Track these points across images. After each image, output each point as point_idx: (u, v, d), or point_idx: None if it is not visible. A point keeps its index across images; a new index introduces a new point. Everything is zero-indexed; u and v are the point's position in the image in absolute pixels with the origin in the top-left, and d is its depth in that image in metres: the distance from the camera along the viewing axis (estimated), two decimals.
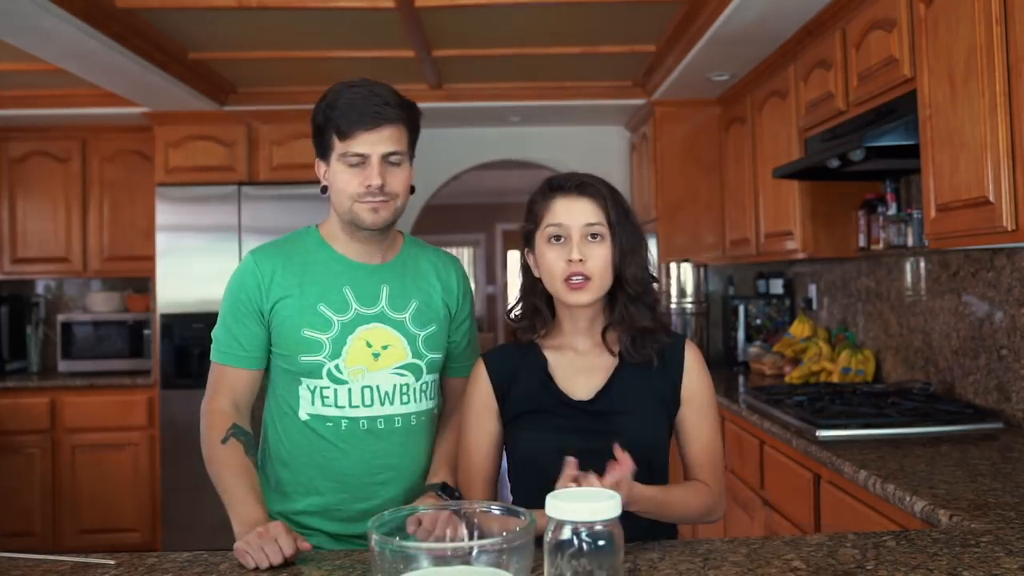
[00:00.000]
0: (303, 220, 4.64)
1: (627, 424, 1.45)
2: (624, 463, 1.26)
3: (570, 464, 1.25)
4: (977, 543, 1.34)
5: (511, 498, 1.52)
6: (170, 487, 4.32)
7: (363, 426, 1.58)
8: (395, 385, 1.60)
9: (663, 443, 1.51)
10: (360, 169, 1.53)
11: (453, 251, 1.86)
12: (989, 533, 1.41)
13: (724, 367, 4.36)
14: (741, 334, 4.35)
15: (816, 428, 2.39)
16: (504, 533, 0.98)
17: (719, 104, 4.45)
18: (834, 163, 2.71)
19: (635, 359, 1.49)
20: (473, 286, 1.97)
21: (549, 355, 1.53)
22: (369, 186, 1.52)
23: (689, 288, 4.35)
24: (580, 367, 1.51)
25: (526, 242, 1.53)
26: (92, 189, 4.80)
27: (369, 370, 1.58)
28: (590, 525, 0.92)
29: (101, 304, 4.84)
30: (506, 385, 1.51)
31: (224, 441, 1.54)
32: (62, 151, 4.79)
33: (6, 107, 4.41)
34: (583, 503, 0.93)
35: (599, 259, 1.44)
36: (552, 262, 1.45)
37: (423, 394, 1.65)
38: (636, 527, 1.31)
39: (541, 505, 0.96)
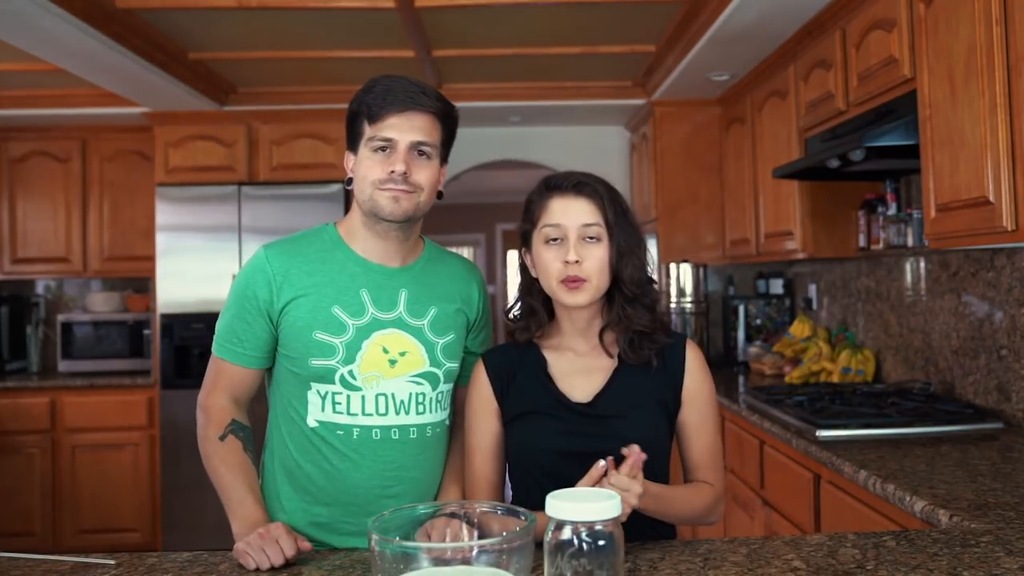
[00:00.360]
0: (303, 220, 4.65)
1: (625, 426, 1.44)
2: (637, 453, 1.25)
3: (598, 467, 1.24)
4: (977, 543, 1.34)
5: (512, 499, 1.52)
6: (170, 487, 4.32)
7: (376, 436, 1.51)
8: (411, 394, 1.53)
9: (663, 445, 1.50)
10: (386, 155, 1.47)
11: (453, 251, 1.80)
12: (989, 533, 1.41)
13: (724, 367, 4.36)
14: (741, 334, 4.35)
15: (816, 428, 2.39)
16: (504, 533, 0.98)
17: (719, 104, 4.45)
18: (834, 163, 2.71)
19: (633, 360, 1.48)
20: None
21: (548, 355, 1.52)
22: (392, 172, 1.46)
23: (689, 288, 4.35)
24: (579, 368, 1.51)
25: (523, 242, 1.52)
26: (92, 189, 4.80)
27: (384, 377, 1.51)
28: (590, 525, 0.92)
29: (101, 304, 4.85)
30: (505, 385, 1.51)
31: (222, 438, 1.50)
32: (62, 151, 4.79)
33: (6, 107, 4.41)
34: (583, 503, 0.93)
35: (596, 260, 1.43)
36: (549, 263, 1.44)
37: (438, 404, 1.57)
38: (636, 527, 1.32)
39: (542, 506, 0.96)
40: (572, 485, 1.05)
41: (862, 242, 3.19)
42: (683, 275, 4.35)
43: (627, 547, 1.23)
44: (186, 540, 4.23)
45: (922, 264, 3.05)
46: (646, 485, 1.28)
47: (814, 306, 4.08)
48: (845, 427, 2.39)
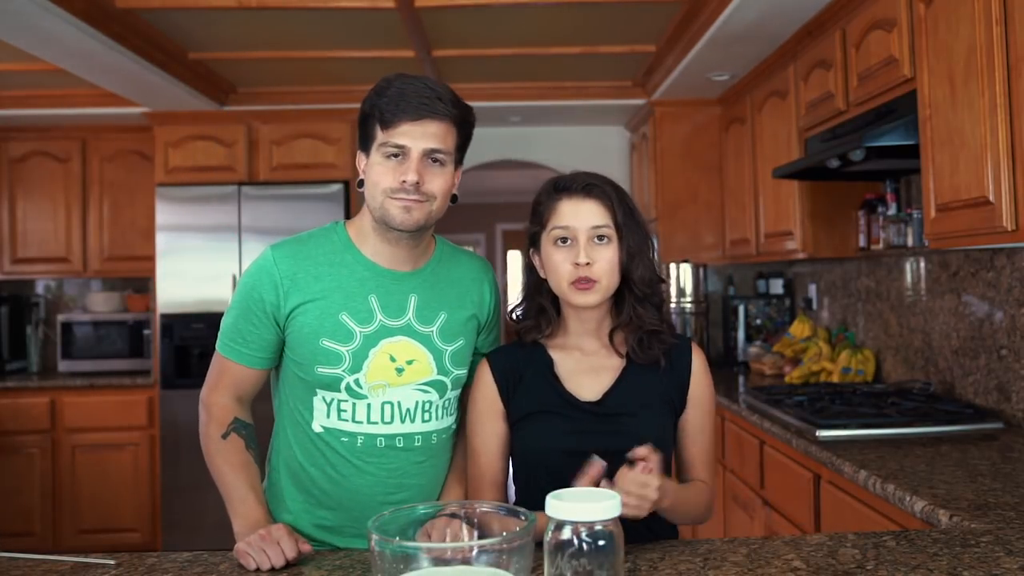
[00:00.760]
0: (303, 220, 4.65)
1: (635, 425, 1.45)
2: (651, 456, 1.25)
3: (595, 465, 1.24)
4: (977, 543, 1.34)
5: (515, 499, 1.52)
6: (170, 487, 4.32)
7: (381, 443, 1.49)
8: (417, 402, 1.51)
9: (668, 444, 1.51)
10: (398, 163, 1.42)
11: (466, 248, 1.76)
12: (989, 533, 1.41)
13: (724, 367, 4.36)
14: (741, 334, 4.35)
15: (816, 428, 2.39)
16: (504, 533, 0.98)
17: (719, 104, 4.45)
18: (834, 163, 2.71)
19: (642, 359, 1.49)
20: None
21: (555, 355, 1.52)
22: (404, 181, 1.41)
23: (689, 288, 4.35)
24: (587, 367, 1.51)
25: (531, 242, 1.52)
26: (92, 189, 4.80)
27: (391, 385, 1.48)
28: (590, 525, 0.92)
29: (101, 304, 4.85)
30: (512, 386, 1.50)
31: (225, 436, 1.49)
32: (62, 151, 4.79)
33: (6, 107, 4.41)
34: (583, 503, 0.93)
35: (606, 261, 1.43)
36: (559, 264, 1.44)
37: (445, 411, 1.55)
38: (636, 527, 1.32)
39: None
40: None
41: (862, 242, 3.18)
42: (683, 275, 4.35)
43: (627, 547, 1.23)
44: (186, 540, 4.23)
45: (922, 264, 3.05)
46: (664, 482, 1.28)
47: (814, 306, 4.08)
48: (845, 427, 2.39)
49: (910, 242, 2.82)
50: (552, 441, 1.45)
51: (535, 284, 1.53)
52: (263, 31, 3.51)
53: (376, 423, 1.49)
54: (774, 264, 4.43)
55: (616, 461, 1.44)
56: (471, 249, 1.80)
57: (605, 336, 1.51)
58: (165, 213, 4.37)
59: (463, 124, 1.49)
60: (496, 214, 9.93)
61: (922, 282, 3.05)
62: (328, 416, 1.50)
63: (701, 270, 4.38)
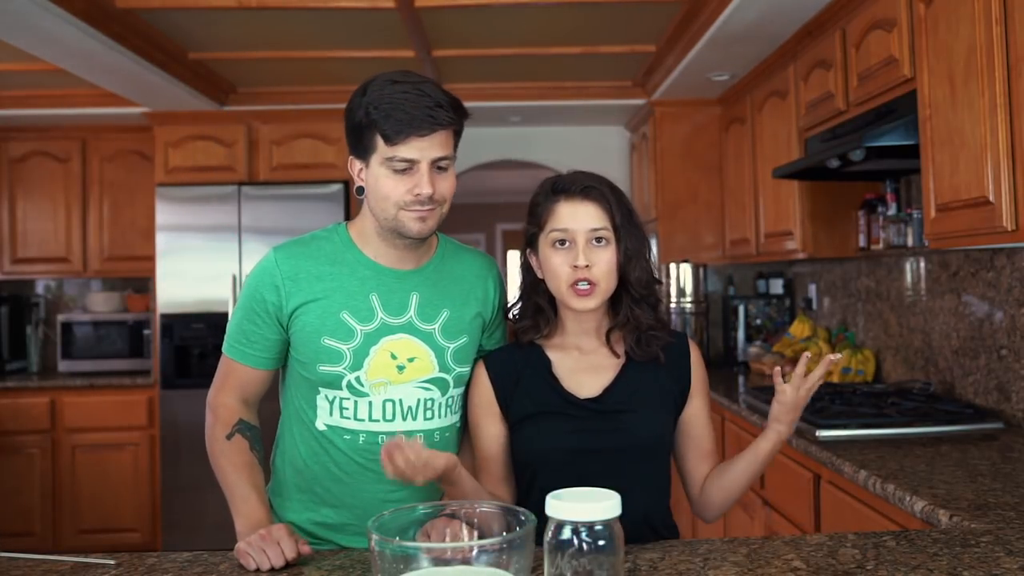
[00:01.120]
0: (303, 220, 4.65)
1: (635, 421, 1.46)
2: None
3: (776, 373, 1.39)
4: (977, 543, 1.34)
5: (517, 498, 1.52)
6: (170, 487, 4.32)
7: (382, 441, 1.46)
8: (419, 400, 1.51)
9: (669, 440, 1.52)
10: (407, 175, 1.41)
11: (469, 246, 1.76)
12: (989, 533, 1.41)
13: (724, 367, 4.36)
14: (741, 334, 4.35)
15: (816, 428, 2.39)
16: (504, 533, 0.98)
17: (719, 104, 4.45)
18: (834, 163, 2.71)
19: (640, 357, 1.49)
20: None
21: (552, 355, 1.52)
22: (418, 195, 1.40)
23: (689, 288, 4.35)
24: (586, 366, 1.51)
25: (528, 243, 1.52)
26: (92, 189, 4.80)
27: (392, 383, 1.49)
28: (590, 525, 0.92)
29: (101, 304, 4.85)
30: (509, 388, 1.50)
31: (229, 437, 1.49)
32: (62, 151, 4.79)
33: (6, 107, 4.41)
34: (583, 503, 0.93)
35: (605, 264, 1.44)
36: (557, 267, 1.44)
37: (448, 409, 1.55)
38: (636, 527, 1.32)
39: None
40: (581, 483, 1.05)
41: (862, 242, 3.18)
42: (683, 275, 4.35)
43: (627, 547, 1.23)
44: (186, 540, 4.23)
45: (922, 264, 3.05)
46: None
47: (814, 306, 4.08)
48: (845, 427, 2.39)
49: (910, 242, 2.82)
50: (553, 441, 1.45)
51: (532, 284, 1.53)
52: (263, 31, 3.51)
53: (378, 421, 1.50)
54: (774, 264, 4.43)
55: (617, 458, 1.45)
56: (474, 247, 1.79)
57: (603, 335, 1.52)
58: (165, 213, 4.37)
59: (461, 125, 1.49)
60: (496, 214, 9.93)
61: (922, 282, 3.05)
62: (331, 414, 1.51)
63: (701, 270, 4.38)
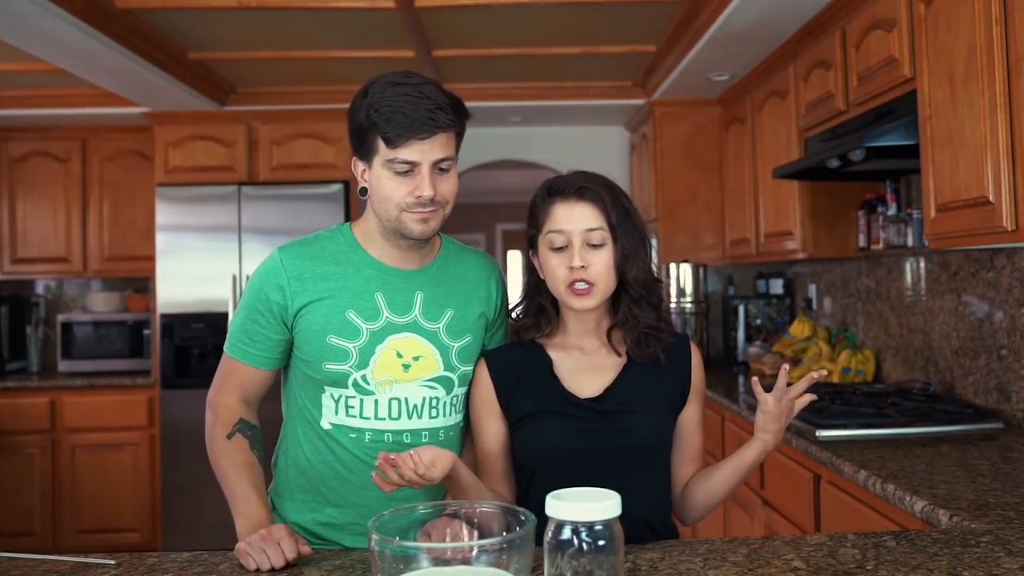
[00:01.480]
0: (303, 220, 4.65)
1: (636, 421, 1.46)
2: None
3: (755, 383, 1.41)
4: (977, 543, 1.34)
5: (518, 498, 1.52)
6: (170, 487, 4.32)
7: (388, 439, 1.50)
8: (424, 398, 1.51)
9: (669, 439, 1.53)
10: (409, 177, 1.42)
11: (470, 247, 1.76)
12: (989, 533, 1.41)
13: (724, 367, 4.36)
14: (741, 334, 4.35)
15: (816, 428, 2.39)
16: (504, 533, 0.98)
17: (719, 104, 4.45)
18: (834, 163, 2.71)
19: (640, 358, 1.50)
20: None
21: (553, 355, 1.52)
22: (420, 196, 1.41)
23: (689, 288, 4.35)
24: (587, 366, 1.51)
25: (529, 244, 1.52)
26: (92, 189, 4.80)
27: (398, 382, 1.50)
28: (590, 525, 0.92)
29: (101, 304, 4.85)
30: (510, 387, 1.50)
31: (230, 437, 1.49)
32: (62, 151, 4.79)
33: (6, 107, 4.41)
34: (583, 503, 0.93)
35: (601, 264, 1.44)
36: (554, 268, 1.45)
37: (452, 407, 1.56)
38: (636, 527, 1.32)
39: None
40: (581, 482, 1.05)
41: (862, 242, 3.18)
42: (683, 275, 4.35)
43: (627, 547, 1.23)
44: (186, 540, 4.23)
45: (922, 264, 3.05)
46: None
47: (814, 306, 4.08)
48: (845, 427, 2.39)
49: (910, 242, 2.82)
50: (553, 440, 1.45)
51: (535, 284, 1.53)
52: (263, 31, 3.51)
53: (383, 419, 1.50)
54: (774, 264, 4.43)
55: (617, 458, 1.45)
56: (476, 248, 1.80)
57: (604, 335, 1.52)
58: (165, 213, 4.37)
59: (463, 126, 1.50)
60: (496, 214, 9.93)
61: (922, 282, 3.05)
62: (336, 413, 1.51)
63: (701, 270, 4.38)
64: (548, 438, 1.46)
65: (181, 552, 1.40)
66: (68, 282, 5.17)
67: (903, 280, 3.19)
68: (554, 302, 1.52)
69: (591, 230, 1.44)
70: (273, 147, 4.50)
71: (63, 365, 4.67)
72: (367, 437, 1.50)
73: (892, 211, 2.96)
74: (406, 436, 1.51)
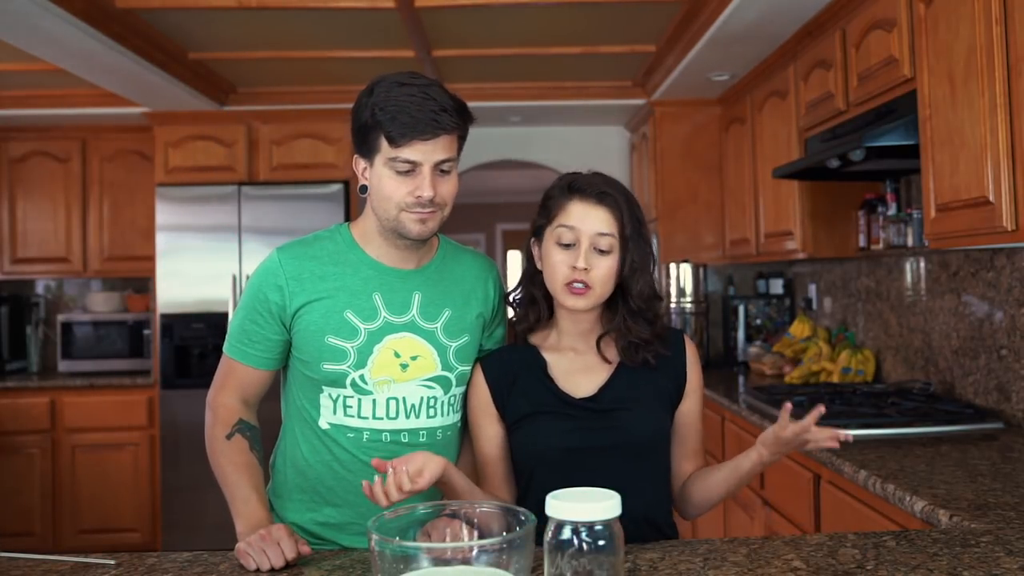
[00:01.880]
0: (303, 220, 4.64)
1: (631, 419, 1.46)
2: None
3: (786, 409, 1.38)
4: (977, 543, 1.34)
5: (516, 499, 1.52)
6: (170, 487, 4.32)
7: (386, 439, 1.50)
8: (422, 398, 1.52)
9: (666, 437, 1.53)
10: (410, 177, 1.43)
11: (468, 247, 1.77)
12: (989, 533, 1.41)
13: (724, 367, 4.35)
14: (741, 334, 4.35)
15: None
16: (504, 533, 0.98)
17: (719, 104, 4.45)
18: (834, 163, 2.71)
19: (630, 364, 1.50)
20: None
21: (548, 356, 1.53)
22: (420, 197, 1.42)
23: (689, 288, 4.35)
24: (580, 366, 1.51)
25: (535, 233, 1.53)
26: (92, 189, 4.80)
27: (396, 381, 1.50)
28: (590, 525, 0.92)
29: (101, 304, 4.85)
30: (506, 389, 1.51)
31: (229, 437, 1.49)
32: (62, 151, 4.79)
33: (6, 107, 4.41)
34: (583, 503, 0.93)
35: (604, 270, 1.44)
36: (557, 264, 1.45)
37: (450, 407, 1.56)
38: (636, 527, 1.32)
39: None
40: (578, 482, 1.05)
41: (862, 242, 3.18)
42: (683, 275, 4.35)
43: (627, 547, 1.23)
44: (186, 540, 4.23)
45: (922, 264, 3.05)
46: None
47: (814, 306, 4.08)
48: (845, 427, 2.36)
49: (910, 242, 2.82)
50: (549, 440, 1.45)
51: (531, 274, 1.54)
52: (263, 31, 3.51)
53: (381, 419, 1.51)
54: (774, 264, 4.43)
55: (614, 456, 1.45)
56: (474, 248, 1.80)
57: (595, 340, 1.53)
58: (165, 213, 4.37)
59: (465, 129, 1.50)
60: (496, 214, 9.93)
61: (922, 282, 3.05)
62: (334, 413, 1.51)
63: (701, 270, 4.38)
64: (545, 438, 1.46)
65: (181, 552, 1.40)
66: (68, 282, 5.17)
67: (903, 280, 3.19)
68: (546, 296, 1.52)
69: (602, 235, 1.44)
70: (273, 147, 4.50)
71: (63, 365, 4.67)
72: (365, 437, 1.51)
73: (892, 211, 2.96)
74: (404, 436, 1.51)
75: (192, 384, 4.32)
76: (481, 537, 1.03)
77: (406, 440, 1.51)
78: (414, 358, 1.51)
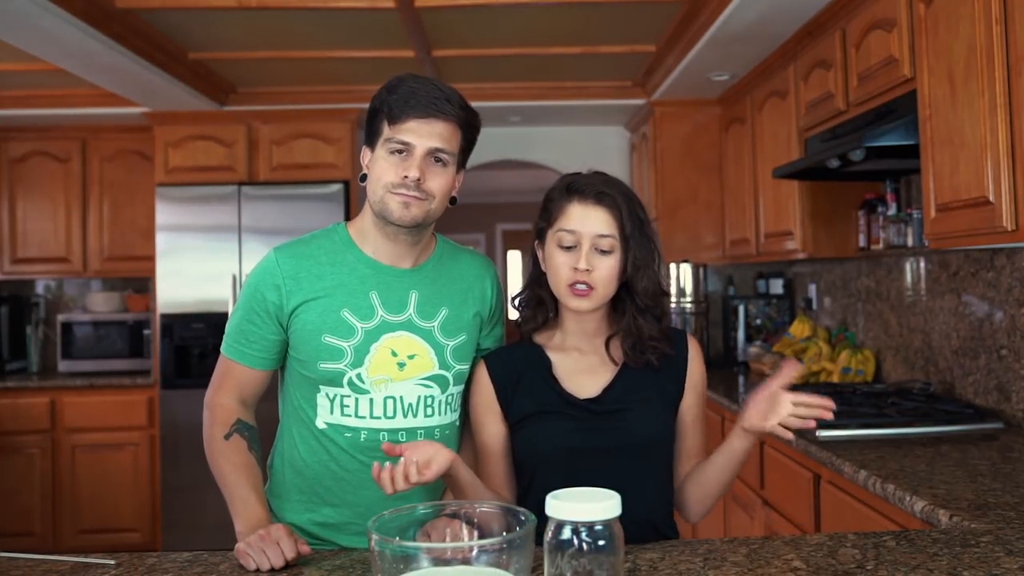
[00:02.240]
0: (303, 220, 4.65)
1: (634, 419, 1.46)
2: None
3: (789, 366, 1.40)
4: (977, 543, 1.34)
5: (518, 498, 1.52)
6: (170, 487, 4.32)
7: (383, 438, 1.49)
8: (419, 397, 1.52)
9: (670, 436, 1.53)
10: (401, 159, 1.44)
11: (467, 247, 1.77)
12: (989, 533, 1.41)
13: (724, 367, 4.36)
14: (741, 334, 4.35)
15: (816, 428, 2.38)
16: (504, 533, 0.98)
17: (719, 104, 4.45)
18: (834, 163, 2.71)
19: (635, 364, 1.50)
20: None
21: (552, 356, 1.53)
22: (406, 177, 1.43)
23: (689, 288, 4.35)
24: (585, 367, 1.52)
25: (537, 236, 1.53)
26: (92, 189, 4.80)
27: (393, 380, 1.50)
28: (590, 525, 0.92)
29: (101, 304, 4.85)
30: (510, 388, 1.51)
31: (227, 437, 1.49)
32: (62, 151, 4.79)
33: (6, 107, 4.41)
34: (583, 503, 0.93)
35: (606, 270, 1.44)
36: (559, 266, 1.45)
37: (448, 406, 1.56)
38: (636, 527, 1.32)
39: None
40: (580, 483, 1.05)
41: (862, 242, 3.18)
42: (683, 275, 4.35)
43: (627, 547, 1.23)
44: (186, 540, 4.23)
45: (922, 264, 3.05)
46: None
47: (814, 306, 4.08)
48: (845, 427, 2.39)
49: (910, 242, 2.82)
50: (553, 440, 1.45)
51: (536, 276, 1.54)
52: (263, 31, 3.51)
53: (379, 418, 1.51)
54: (774, 264, 4.43)
55: (617, 457, 1.45)
56: (472, 248, 1.81)
57: (603, 339, 1.53)
58: (165, 213, 4.37)
59: (469, 127, 1.51)
60: (496, 214, 9.93)
61: (922, 282, 3.05)
62: (332, 412, 1.51)
63: (701, 270, 4.38)
64: (548, 438, 1.46)
65: (181, 552, 1.40)
66: (68, 282, 5.17)
67: (903, 280, 3.19)
68: (552, 297, 1.53)
69: (602, 236, 1.44)
70: (273, 147, 4.50)
71: (63, 365, 4.67)
72: (362, 436, 1.51)
73: (892, 211, 2.96)
74: (401, 435, 1.51)
75: (192, 384, 4.31)
76: (481, 537, 1.03)
77: (403, 439, 1.51)
78: (411, 357, 1.51)
